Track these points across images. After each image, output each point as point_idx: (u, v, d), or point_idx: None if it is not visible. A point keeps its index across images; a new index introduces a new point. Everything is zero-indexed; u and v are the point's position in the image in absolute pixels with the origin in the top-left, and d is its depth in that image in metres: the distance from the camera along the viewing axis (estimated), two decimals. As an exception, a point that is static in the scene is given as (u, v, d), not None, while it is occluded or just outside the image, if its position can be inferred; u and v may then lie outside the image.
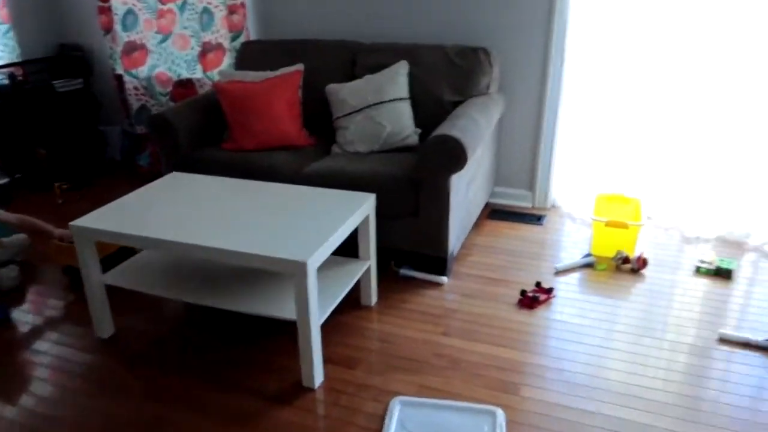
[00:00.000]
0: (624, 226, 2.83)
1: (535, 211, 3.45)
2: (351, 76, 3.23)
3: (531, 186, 3.47)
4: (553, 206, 3.50)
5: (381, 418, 1.94)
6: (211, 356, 2.28)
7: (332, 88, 3.14)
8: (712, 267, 2.78)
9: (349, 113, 3.05)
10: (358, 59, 3.25)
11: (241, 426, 1.93)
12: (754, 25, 2.80)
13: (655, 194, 3.25)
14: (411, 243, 2.69)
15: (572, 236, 3.17)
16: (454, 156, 2.46)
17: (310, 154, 3.06)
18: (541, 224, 3.30)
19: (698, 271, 2.80)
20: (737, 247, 3.03)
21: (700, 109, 3.03)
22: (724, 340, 2.32)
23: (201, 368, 2.21)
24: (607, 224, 2.86)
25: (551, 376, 2.12)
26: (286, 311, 2.09)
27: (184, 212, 2.27)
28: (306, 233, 2.06)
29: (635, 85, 3.12)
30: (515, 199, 3.52)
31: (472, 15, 3.26)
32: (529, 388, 2.07)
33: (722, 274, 2.76)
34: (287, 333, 2.41)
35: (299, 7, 3.61)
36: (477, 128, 2.65)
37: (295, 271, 1.91)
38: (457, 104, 3.03)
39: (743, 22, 2.81)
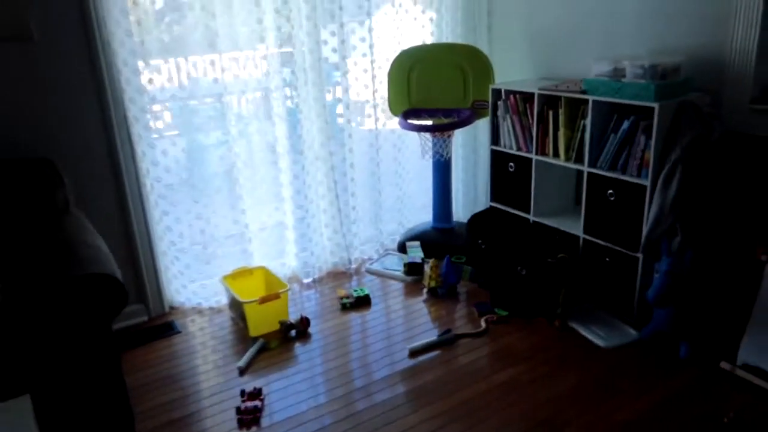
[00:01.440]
0: (277, 296, 2.78)
1: (159, 321, 3.00)
2: None
3: (141, 297, 2.99)
4: (172, 308, 3.11)
5: None
6: None
7: None
8: (352, 300, 3.04)
9: None
10: None
11: None
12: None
13: (266, 257, 3.28)
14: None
15: (215, 332, 2.91)
16: (117, 298, 1.89)
17: None
18: (179, 331, 2.89)
19: (344, 307, 3.02)
20: (348, 276, 3.40)
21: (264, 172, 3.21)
22: (415, 352, 2.60)
23: None
24: (261, 301, 2.74)
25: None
26: None
27: None
28: None
29: (206, 166, 3.07)
30: (129, 318, 2.96)
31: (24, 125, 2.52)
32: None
33: (363, 302, 3.06)
34: None
35: None
36: (107, 258, 2.10)
37: None
38: (34, 236, 2.31)
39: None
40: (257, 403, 2.28)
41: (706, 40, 2.55)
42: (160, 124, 2.96)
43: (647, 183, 2.50)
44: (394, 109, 3.43)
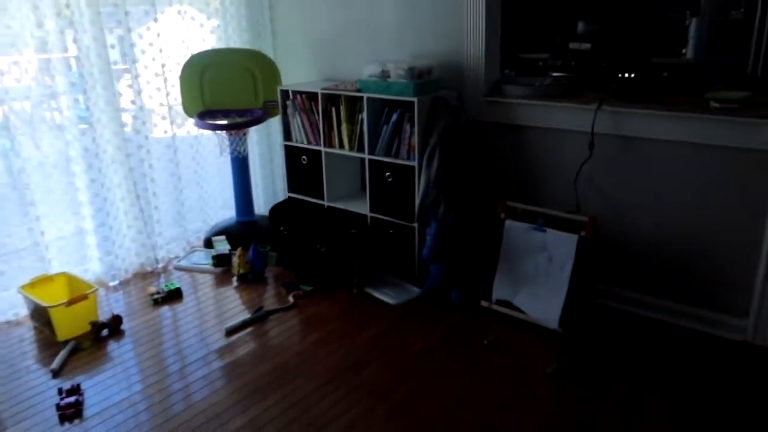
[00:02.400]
0: (85, 297, 2.79)
1: (-56, 343, 2.79)
2: None
3: None
4: (-40, 327, 2.91)
5: None
6: None
7: None
8: (163, 294, 3.15)
9: None
10: None
11: None
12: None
13: (66, 265, 3.21)
14: None
15: (15, 345, 2.81)
16: None
17: None
18: (-27, 349, 2.74)
19: (156, 302, 3.12)
20: (156, 274, 3.47)
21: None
22: (232, 331, 2.82)
23: None
24: (69, 303, 2.73)
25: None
26: None
27: None
28: None
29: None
30: None
31: None
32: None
33: (174, 295, 3.18)
34: None
35: None
36: None
37: None
38: None
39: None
40: (77, 397, 2.33)
41: (450, 48, 3.17)
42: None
43: (415, 164, 3.03)
44: (188, 111, 3.57)
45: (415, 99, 2.94)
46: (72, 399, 2.31)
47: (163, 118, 3.57)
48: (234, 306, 3.09)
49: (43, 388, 2.44)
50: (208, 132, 3.67)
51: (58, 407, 2.28)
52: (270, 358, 2.61)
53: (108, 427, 2.21)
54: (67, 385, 2.42)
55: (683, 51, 4.67)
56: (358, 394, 2.34)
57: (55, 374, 2.53)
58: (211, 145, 3.77)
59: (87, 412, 2.29)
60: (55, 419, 2.25)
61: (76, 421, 2.24)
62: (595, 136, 2.80)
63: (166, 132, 3.58)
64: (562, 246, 2.73)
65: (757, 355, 2.55)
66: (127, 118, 3.34)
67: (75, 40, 3.05)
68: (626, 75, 2.88)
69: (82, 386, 2.43)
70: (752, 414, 2.18)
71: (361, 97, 3.15)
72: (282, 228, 3.40)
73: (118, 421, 2.23)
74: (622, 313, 2.92)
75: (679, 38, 4.77)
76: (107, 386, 2.45)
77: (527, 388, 2.37)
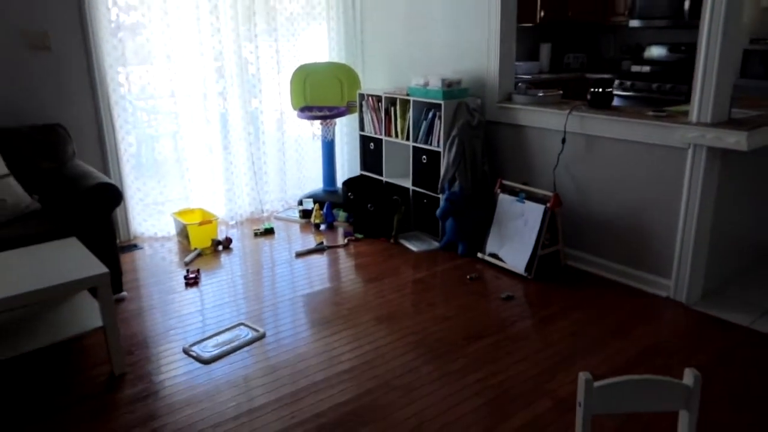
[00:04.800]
0: (210, 222, 4.24)
1: (126, 244, 4.38)
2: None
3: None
4: (136, 236, 4.50)
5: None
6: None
7: None
8: (261, 230, 4.53)
9: (-40, 198, 3.28)
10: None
11: None
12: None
13: (202, 200, 4.72)
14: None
15: (167, 248, 4.32)
16: (116, 197, 3.32)
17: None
18: (141, 248, 4.29)
19: (256, 235, 4.51)
20: (261, 220, 4.88)
21: (203, 138, 4.68)
22: (300, 254, 4.12)
23: None
24: (200, 224, 4.19)
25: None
26: (91, 323, 2.66)
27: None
28: (75, 263, 2.67)
29: (165, 133, 4.50)
30: (106, 239, 4.33)
31: (29, 98, 3.89)
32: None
33: (269, 231, 4.55)
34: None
35: None
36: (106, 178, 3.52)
37: (100, 283, 2.57)
38: (56, 170, 3.69)
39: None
40: (196, 275, 3.73)
41: (478, 66, 4.24)
42: (131, 109, 4.38)
43: (441, 150, 4.13)
44: (294, 105, 4.96)
45: (442, 102, 4.05)
46: (193, 275, 3.72)
47: (275, 110, 4.99)
48: (308, 241, 4.38)
49: (179, 271, 3.88)
50: (307, 121, 5.04)
51: (185, 278, 3.70)
52: (326, 269, 3.85)
53: (213, 290, 3.58)
54: (192, 269, 3.85)
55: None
56: (371, 295, 3.51)
57: (186, 264, 3.97)
58: (308, 132, 5.14)
59: (201, 283, 3.69)
60: (182, 284, 3.67)
61: (194, 288, 3.64)
62: (567, 134, 3.73)
63: (277, 120, 4.99)
64: (534, 213, 3.69)
65: (674, 308, 3.34)
66: (250, 108, 4.79)
67: (221, 53, 4.54)
68: (599, 89, 3.73)
69: (200, 271, 3.84)
70: (661, 346, 3.03)
71: (409, 100, 4.31)
72: (349, 194, 4.64)
73: (219, 288, 3.60)
74: (580, 271, 3.79)
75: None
76: (216, 273, 3.84)
77: (481, 302, 3.38)
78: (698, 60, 3.15)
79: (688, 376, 1.46)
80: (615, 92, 6.15)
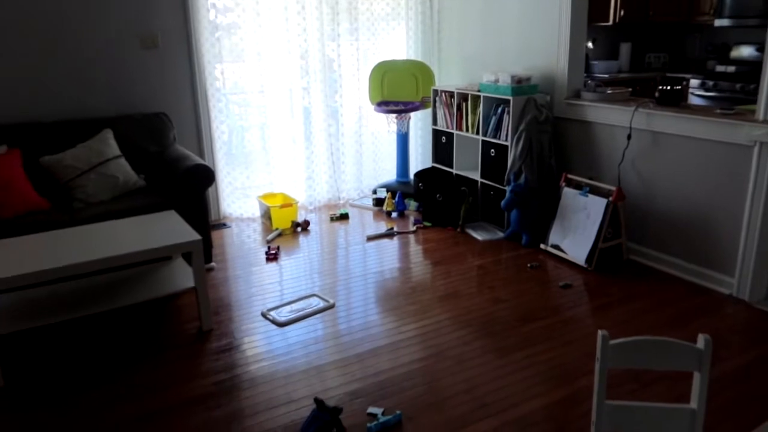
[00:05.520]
0: (290, 205, 4.61)
1: (216, 223, 4.84)
2: (54, 150, 3.88)
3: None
4: (225, 216, 4.95)
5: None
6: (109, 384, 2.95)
7: (51, 159, 3.79)
8: (337, 215, 4.86)
9: (80, 174, 3.80)
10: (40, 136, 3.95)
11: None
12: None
13: (284, 186, 5.11)
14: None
15: (252, 228, 4.74)
16: (209, 177, 3.74)
17: (58, 211, 3.65)
18: (229, 226, 4.73)
19: (332, 219, 4.85)
20: (338, 207, 5.22)
21: (286, 129, 5.07)
22: (371, 238, 4.41)
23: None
24: (282, 207, 4.58)
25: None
26: (184, 283, 3.06)
27: (50, 250, 2.86)
28: (172, 230, 3.08)
29: (251, 124, 4.93)
30: (199, 218, 4.80)
31: (132, 89, 4.41)
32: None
33: (344, 217, 4.88)
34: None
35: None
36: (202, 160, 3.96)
37: (194, 248, 2.96)
38: (159, 153, 4.17)
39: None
40: (276, 251, 4.11)
41: (547, 64, 4.37)
42: (225, 101, 4.83)
43: (508, 144, 4.30)
44: (372, 100, 5.26)
45: (511, 98, 4.22)
46: (274, 251, 4.10)
47: (354, 105, 5.31)
48: (380, 227, 4.67)
49: (261, 248, 4.28)
50: (383, 115, 5.33)
51: (266, 254, 4.09)
52: (396, 251, 4.13)
53: (290, 265, 3.94)
54: (273, 246, 4.23)
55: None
56: (434, 277, 3.75)
57: (268, 242, 4.36)
58: (384, 126, 5.43)
59: (280, 259, 4.05)
60: (263, 259, 4.05)
61: (274, 262, 4.01)
62: (633, 130, 3.80)
63: (355, 113, 5.31)
64: (596, 206, 3.79)
65: (735, 305, 3.35)
66: (331, 103, 5.13)
67: (306, 51, 4.91)
68: (668, 87, 3.76)
69: (280, 248, 4.22)
70: (716, 339, 3.10)
71: (479, 96, 4.51)
72: (420, 184, 4.89)
73: (296, 264, 3.95)
74: (641, 266, 3.85)
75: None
76: (294, 251, 4.20)
77: (539, 289, 3.54)
78: (766, 57, 3.17)
79: (700, 341, 1.61)
80: (697, 93, 6.05)
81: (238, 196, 4.99)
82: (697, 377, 1.63)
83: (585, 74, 6.20)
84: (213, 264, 3.98)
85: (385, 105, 5.21)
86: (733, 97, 5.66)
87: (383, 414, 2.42)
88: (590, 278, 3.68)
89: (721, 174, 3.43)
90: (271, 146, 4.97)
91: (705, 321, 3.16)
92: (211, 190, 4.81)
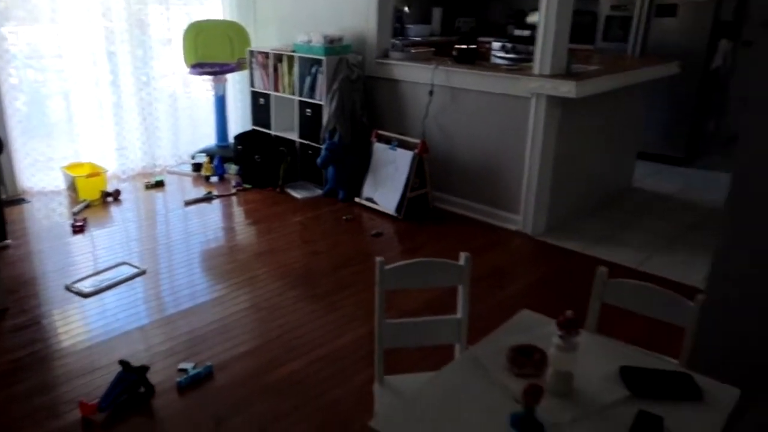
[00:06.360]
0: (98, 174, 4.33)
1: (14, 197, 4.40)
2: None
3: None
4: (24, 191, 4.52)
5: (68, 292, 3.01)
6: None
7: None
8: (152, 182, 4.67)
9: None
10: None
11: None
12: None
13: (93, 155, 4.77)
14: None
15: (57, 201, 4.39)
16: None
17: None
18: (29, 201, 4.34)
19: (146, 187, 4.64)
20: (153, 174, 5.00)
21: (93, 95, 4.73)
22: (188, 203, 4.31)
23: None
24: (88, 176, 4.28)
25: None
26: None
27: None
28: None
29: (56, 92, 4.52)
30: (-9, 193, 4.33)
31: None
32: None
33: (160, 184, 4.69)
34: None
35: None
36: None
37: None
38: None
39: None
40: (82, 222, 3.86)
41: (359, 25, 4.51)
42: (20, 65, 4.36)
43: (323, 103, 4.41)
44: (186, 62, 5.06)
45: (324, 58, 4.31)
46: (80, 223, 3.85)
47: (167, 67, 5.08)
48: (198, 192, 4.57)
49: (66, 222, 3.99)
50: (200, 79, 5.16)
51: (73, 226, 3.82)
52: (206, 214, 4.07)
53: (99, 235, 3.73)
54: (80, 218, 3.96)
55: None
56: (253, 236, 3.77)
57: (74, 215, 4.08)
58: (201, 90, 5.26)
59: (88, 230, 3.82)
60: (69, 232, 3.79)
61: (80, 234, 3.77)
62: (435, 87, 4.10)
63: (166, 75, 5.09)
64: (403, 159, 4.05)
65: (521, 239, 3.80)
66: (145, 60, 4.86)
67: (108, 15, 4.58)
68: (464, 46, 4.12)
69: (87, 219, 3.97)
70: (504, 267, 3.47)
71: (294, 56, 4.54)
72: (239, 147, 4.84)
73: (105, 234, 3.75)
74: (446, 212, 4.21)
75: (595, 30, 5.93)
76: (103, 221, 3.97)
77: (353, 239, 3.73)
78: (539, 20, 3.57)
79: (461, 259, 1.84)
80: (498, 55, 6.60)
81: (39, 168, 4.57)
82: (460, 289, 1.86)
83: (400, 37, 6.51)
84: (9, 241, 3.64)
85: (200, 67, 5.05)
86: (529, 58, 6.26)
87: (194, 368, 2.44)
88: (400, 226, 3.95)
89: (507, 124, 3.83)
90: (76, 113, 4.60)
91: (497, 253, 3.55)
92: (4, 162, 4.35)
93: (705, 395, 1.37)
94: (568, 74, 3.66)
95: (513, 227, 3.92)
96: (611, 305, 1.76)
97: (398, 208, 4.04)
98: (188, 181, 4.86)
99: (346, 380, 2.41)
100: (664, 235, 3.88)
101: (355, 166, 4.36)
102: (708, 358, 1.65)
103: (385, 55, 4.48)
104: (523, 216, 3.86)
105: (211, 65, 5.08)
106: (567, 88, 3.47)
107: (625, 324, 2.41)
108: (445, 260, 1.83)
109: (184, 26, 5.00)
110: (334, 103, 4.31)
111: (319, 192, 4.54)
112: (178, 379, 2.35)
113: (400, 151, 4.09)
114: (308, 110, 4.56)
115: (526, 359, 1.43)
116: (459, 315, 1.87)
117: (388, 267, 1.78)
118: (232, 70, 5.03)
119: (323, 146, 4.31)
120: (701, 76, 5.26)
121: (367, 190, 4.27)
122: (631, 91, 4.31)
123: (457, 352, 1.88)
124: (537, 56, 3.65)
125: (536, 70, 3.67)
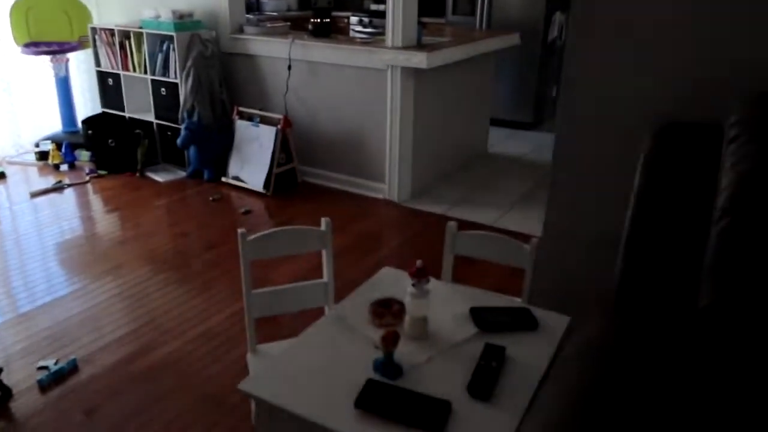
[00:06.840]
0: None
1: None
2: None
3: None
4: None
5: None
6: None
7: None
8: (-9, 175, 4.26)
9: None
10: None
11: None
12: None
13: None
14: None
15: None
16: None
17: None
18: None
19: (-15, 181, 4.23)
20: (-9, 166, 4.57)
21: None
22: (35, 194, 3.99)
23: None
24: None
25: None
26: None
27: None
28: None
29: None
30: None
31: None
32: None
33: (2, 176, 4.30)
34: None
35: None
36: None
37: None
38: None
39: None
40: None
41: (211, 0, 4.39)
42: None
43: (178, 81, 4.25)
44: (17, 41, 4.62)
45: (175, 34, 4.14)
46: None
47: (-4, 46, 4.61)
48: (47, 182, 4.24)
49: None
50: (37, 59, 4.75)
51: None
52: (57, 204, 3.80)
53: (-71, 238, 3.37)
54: None
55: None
56: (113, 224, 3.59)
57: None
58: (39, 71, 4.84)
59: None
60: None
61: None
62: (293, 61, 4.10)
63: (-1, 57, 4.63)
64: (267, 135, 4.04)
65: (387, 206, 3.96)
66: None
67: None
68: (318, 20, 4.16)
69: None
70: (372, 234, 3.58)
71: (142, 33, 4.31)
72: (90, 132, 4.54)
73: (-63, 236, 3.40)
74: (314, 185, 4.27)
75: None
76: (-66, 221, 3.59)
77: (221, 219, 3.68)
78: (387, -6, 3.70)
79: (323, 224, 1.91)
80: (356, 29, 6.70)
81: None
82: (324, 253, 1.94)
83: (256, 12, 6.38)
84: None
85: (34, 46, 4.64)
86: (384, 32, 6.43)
87: (55, 363, 2.32)
88: (269, 202, 3.95)
89: (367, 96, 3.94)
90: None
91: (365, 222, 3.68)
92: None
93: (541, 324, 1.56)
94: (419, 46, 3.83)
95: (380, 196, 4.07)
96: (464, 256, 1.93)
97: (266, 185, 4.03)
98: (34, 171, 4.49)
99: (223, 356, 2.42)
100: (517, 193, 4.22)
101: (218, 145, 4.27)
102: (544, 293, 1.87)
103: (240, 30, 4.39)
104: (389, 184, 4.02)
105: (48, 44, 4.69)
106: (418, 59, 3.64)
107: (477, 272, 2.64)
108: (307, 227, 1.90)
109: (10, 1, 4.56)
110: (190, 81, 4.17)
111: (182, 174, 4.40)
112: (39, 377, 2.23)
113: (262, 127, 4.07)
114: (163, 89, 4.38)
115: (386, 310, 1.54)
116: (325, 279, 1.95)
117: (250, 238, 1.81)
118: (73, 49, 4.68)
119: (183, 126, 4.17)
120: (540, 46, 5.71)
121: (233, 169, 4.21)
122: (479, 62, 4.58)
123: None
124: (389, 29, 3.78)
125: (389, 42, 3.80)
